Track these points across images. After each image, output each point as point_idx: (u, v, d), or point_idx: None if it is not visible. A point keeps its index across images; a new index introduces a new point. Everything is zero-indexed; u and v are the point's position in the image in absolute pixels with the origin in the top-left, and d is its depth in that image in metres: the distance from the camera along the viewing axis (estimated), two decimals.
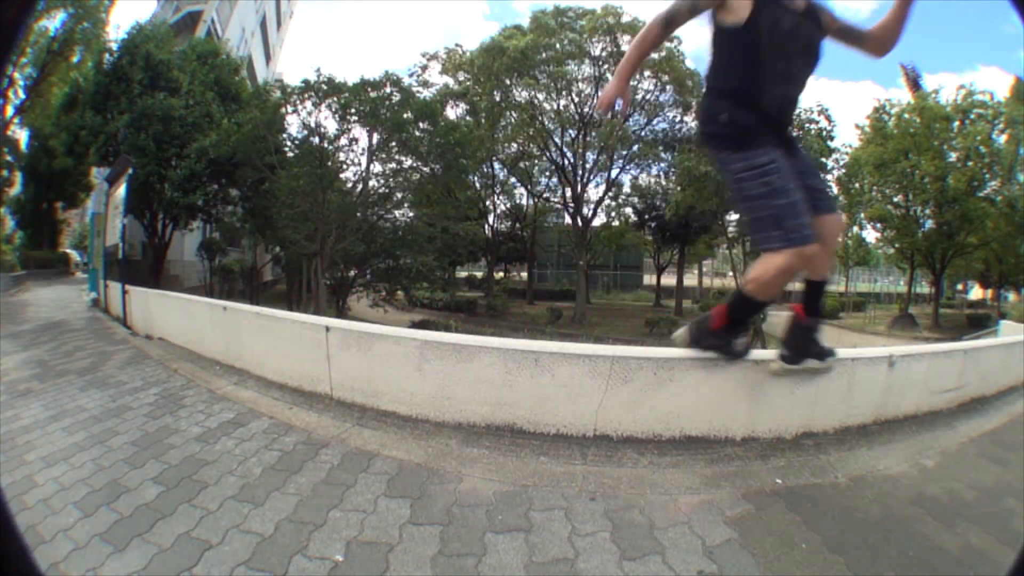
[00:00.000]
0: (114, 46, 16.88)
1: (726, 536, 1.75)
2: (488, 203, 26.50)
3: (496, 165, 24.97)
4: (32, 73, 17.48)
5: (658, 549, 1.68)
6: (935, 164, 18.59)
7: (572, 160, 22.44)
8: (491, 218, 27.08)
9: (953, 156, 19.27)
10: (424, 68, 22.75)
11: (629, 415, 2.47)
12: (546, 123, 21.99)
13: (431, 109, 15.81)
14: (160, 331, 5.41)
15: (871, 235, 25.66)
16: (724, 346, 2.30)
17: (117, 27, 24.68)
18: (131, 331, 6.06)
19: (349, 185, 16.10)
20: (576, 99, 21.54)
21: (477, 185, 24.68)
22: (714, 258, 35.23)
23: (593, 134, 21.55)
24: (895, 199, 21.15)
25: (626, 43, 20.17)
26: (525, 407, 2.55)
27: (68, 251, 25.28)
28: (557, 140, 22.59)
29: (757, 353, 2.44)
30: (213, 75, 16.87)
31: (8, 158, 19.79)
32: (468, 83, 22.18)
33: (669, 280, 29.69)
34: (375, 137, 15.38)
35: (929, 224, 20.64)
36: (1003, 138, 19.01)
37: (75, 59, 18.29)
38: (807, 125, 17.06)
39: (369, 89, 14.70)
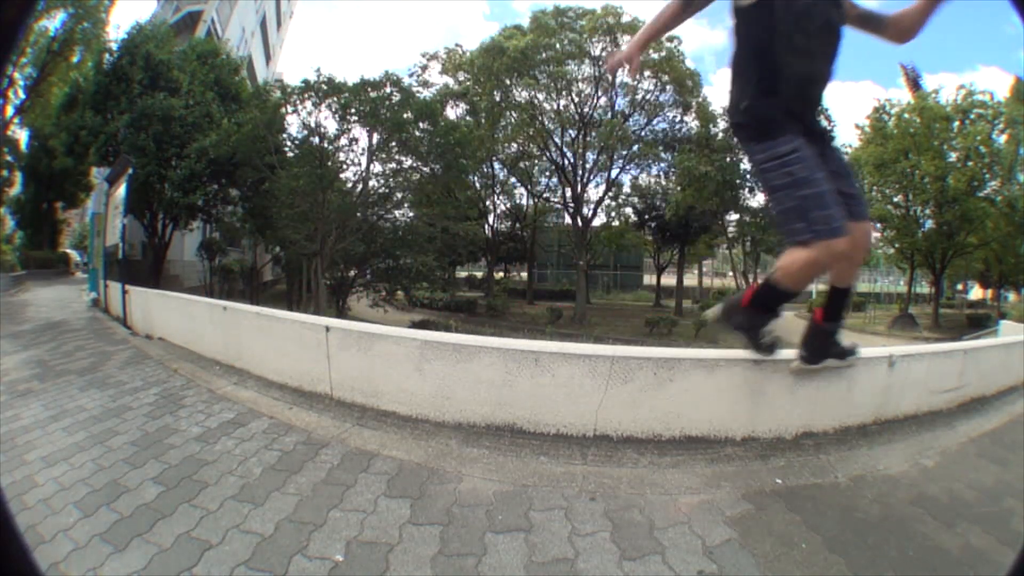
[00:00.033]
0: (114, 46, 16.89)
1: (726, 536, 1.75)
2: (488, 203, 26.51)
3: (496, 165, 24.99)
4: (32, 73, 17.49)
5: (658, 549, 1.68)
6: (935, 164, 18.60)
7: (572, 160, 22.45)
8: (491, 218, 27.12)
9: (953, 156, 19.28)
10: (424, 68, 22.77)
11: (629, 415, 2.47)
12: (546, 123, 22.00)
13: (431, 109, 15.81)
14: (160, 331, 5.41)
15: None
16: (752, 331, 2.24)
17: (117, 27, 24.79)
18: (131, 331, 6.06)
19: (349, 185, 16.11)
20: (576, 99, 21.55)
21: (477, 185, 24.69)
22: (714, 258, 35.27)
23: (593, 134, 21.54)
24: (895, 199, 21.16)
25: (626, 43, 20.15)
26: (525, 407, 2.55)
27: (68, 251, 25.29)
28: (557, 140, 22.61)
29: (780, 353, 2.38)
30: (213, 75, 16.87)
31: (8, 158, 19.79)
32: (468, 83, 22.19)
33: (669, 280, 29.70)
34: (375, 137, 15.39)
35: (929, 224, 20.66)
36: (1003, 138, 19.02)
37: (75, 59, 18.30)
38: None
39: (369, 89, 14.70)
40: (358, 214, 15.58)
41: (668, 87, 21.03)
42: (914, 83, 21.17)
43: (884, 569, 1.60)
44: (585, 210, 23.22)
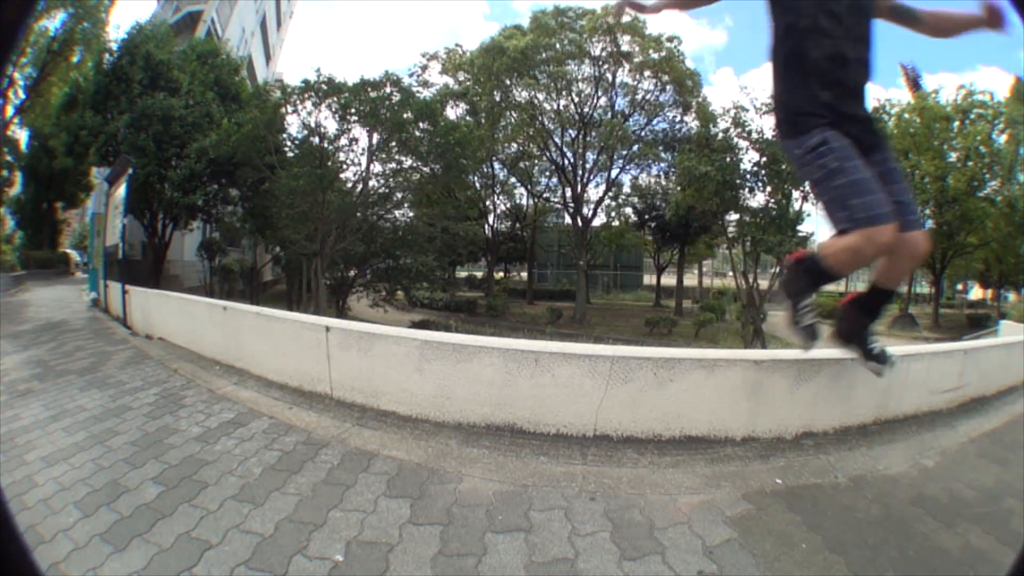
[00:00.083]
0: (114, 46, 16.87)
1: (726, 536, 1.75)
2: (488, 203, 26.48)
3: (496, 165, 24.96)
4: (32, 73, 17.48)
5: (658, 549, 1.68)
6: (935, 164, 18.58)
7: (572, 160, 22.44)
8: (491, 218, 27.07)
9: (953, 156, 19.26)
10: (424, 68, 22.74)
11: (629, 415, 2.47)
12: (546, 123, 21.98)
13: (431, 109, 15.80)
14: (160, 331, 5.41)
15: None
16: (795, 294, 2.11)
17: (117, 27, 24.83)
18: (131, 331, 6.06)
19: (349, 185, 16.09)
20: (576, 99, 21.53)
21: (477, 185, 24.68)
22: (714, 258, 35.22)
23: (593, 134, 21.53)
24: None
25: (626, 43, 20.16)
26: (525, 407, 2.55)
27: (68, 251, 25.28)
28: (557, 140, 22.59)
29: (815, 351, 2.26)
30: (213, 75, 16.87)
31: (8, 158, 19.79)
32: (468, 83, 22.17)
33: (669, 280, 29.69)
34: (375, 137, 15.38)
35: (929, 224, 20.63)
36: (1003, 138, 19.00)
37: (75, 59, 18.29)
38: None
39: (369, 89, 14.69)
40: (358, 214, 15.57)
41: (668, 87, 21.01)
42: (914, 83, 21.18)
43: (884, 569, 1.60)
44: (585, 210, 23.21)
